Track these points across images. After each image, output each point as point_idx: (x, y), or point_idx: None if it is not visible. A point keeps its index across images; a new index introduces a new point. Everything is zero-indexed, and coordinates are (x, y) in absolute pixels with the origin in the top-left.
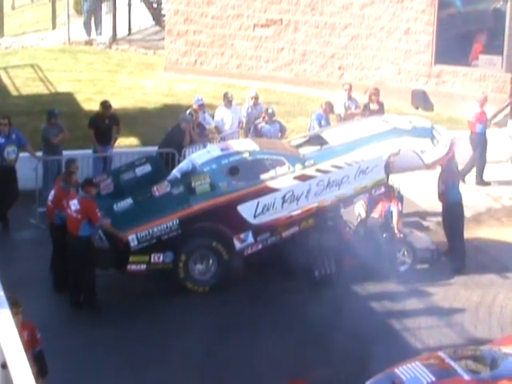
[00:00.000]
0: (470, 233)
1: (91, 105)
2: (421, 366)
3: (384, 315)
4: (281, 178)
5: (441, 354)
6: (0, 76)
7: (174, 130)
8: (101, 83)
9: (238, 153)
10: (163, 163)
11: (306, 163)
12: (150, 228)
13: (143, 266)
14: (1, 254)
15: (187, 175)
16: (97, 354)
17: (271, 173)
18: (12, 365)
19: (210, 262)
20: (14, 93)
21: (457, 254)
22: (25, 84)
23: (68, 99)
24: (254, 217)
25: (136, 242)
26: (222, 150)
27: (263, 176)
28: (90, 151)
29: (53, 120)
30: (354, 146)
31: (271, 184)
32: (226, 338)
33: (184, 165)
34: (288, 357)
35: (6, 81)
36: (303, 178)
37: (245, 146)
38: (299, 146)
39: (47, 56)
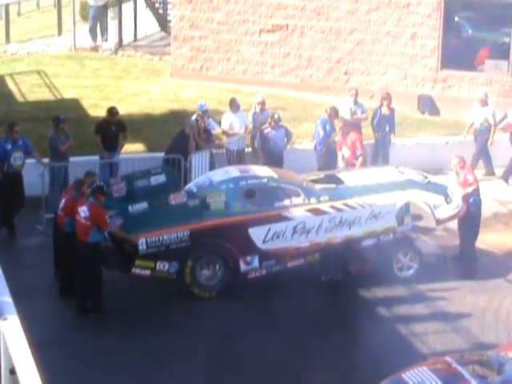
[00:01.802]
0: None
1: (97, 111)
2: (428, 371)
3: (391, 320)
4: (295, 209)
5: (448, 358)
6: (6, 82)
7: (180, 135)
8: (107, 89)
9: (257, 177)
10: (178, 176)
11: (321, 198)
12: (161, 235)
13: (148, 272)
14: (7, 260)
15: (204, 190)
16: (103, 360)
17: (286, 202)
18: (20, 371)
19: (217, 267)
20: (20, 99)
21: (469, 255)
22: (31, 90)
23: (74, 105)
24: (263, 242)
25: (145, 247)
26: (240, 171)
27: (278, 203)
28: (96, 157)
29: (60, 126)
30: (369, 190)
31: (285, 213)
32: (232, 343)
33: (201, 180)
34: (293, 363)
35: (12, 87)
36: (317, 211)
37: (263, 172)
38: (315, 181)
39: (53, 62)
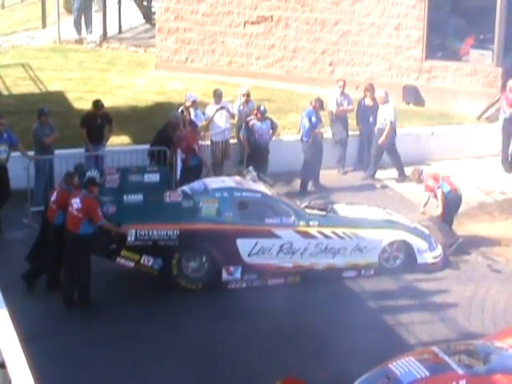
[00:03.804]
0: (462, 227)
1: (82, 104)
2: (415, 361)
3: (377, 311)
4: (284, 228)
5: (434, 348)
6: None
7: (165, 127)
8: (91, 82)
9: (251, 191)
10: (172, 179)
11: (311, 223)
12: (151, 229)
13: (131, 264)
14: None
15: (198, 194)
16: (91, 352)
17: (276, 220)
18: (10, 364)
19: (204, 259)
20: (5, 92)
21: (447, 233)
22: (15, 83)
23: (59, 98)
24: (249, 255)
25: (133, 238)
26: (236, 183)
27: (268, 220)
28: (81, 150)
29: (43, 118)
30: (358, 223)
31: (274, 230)
32: (221, 334)
33: (196, 184)
34: (284, 354)
35: None
36: (305, 234)
37: (258, 187)
38: (306, 207)
39: (38, 55)
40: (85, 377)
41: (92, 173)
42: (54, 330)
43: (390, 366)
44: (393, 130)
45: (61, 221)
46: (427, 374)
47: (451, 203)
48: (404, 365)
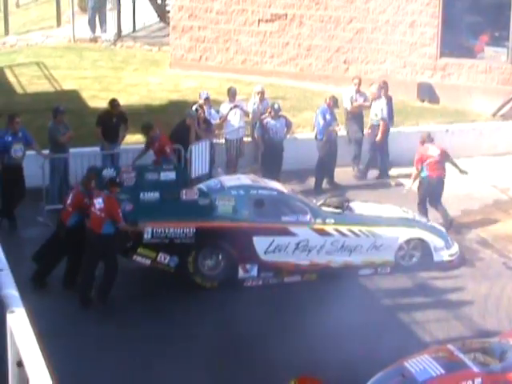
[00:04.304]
0: (477, 225)
1: (97, 102)
2: (430, 359)
3: (392, 309)
4: (300, 226)
5: (450, 346)
6: (5, 74)
7: (180, 126)
8: (106, 80)
9: (267, 189)
10: (188, 177)
11: (327, 220)
12: (168, 227)
13: (148, 261)
14: (10, 252)
15: (214, 192)
16: (106, 351)
17: (293, 217)
18: (28, 363)
19: (220, 257)
20: (20, 91)
21: (443, 214)
22: (30, 82)
23: (73, 97)
24: (265, 253)
25: (150, 236)
26: (252, 181)
27: (284, 218)
28: (96, 148)
29: (58, 117)
30: (374, 221)
31: (290, 228)
32: (236, 334)
33: (212, 182)
34: (298, 355)
35: (12, 79)
36: (321, 232)
37: (275, 185)
38: (322, 205)
39: (52, 54)
40: (101, 375)
41: (108, 171)
42: (70, 328)
43: (405, 363)
44: (386, 127)
45: (74, 222)
46: (442, 371)
47: (425, 188)
48: (419, 363)
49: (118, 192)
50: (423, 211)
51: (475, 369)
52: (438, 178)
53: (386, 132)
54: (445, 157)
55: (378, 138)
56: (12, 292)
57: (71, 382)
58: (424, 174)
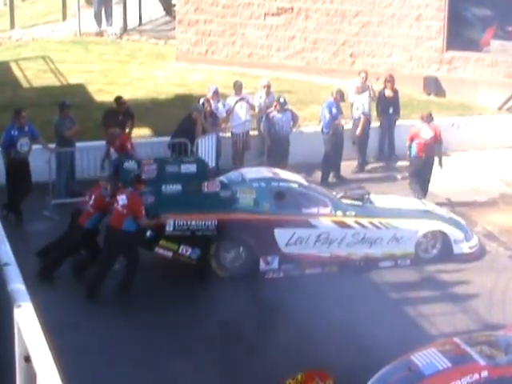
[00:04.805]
0: (482, 218)
1: (103, 96)
2: (436, 352)
3: (399, 302)
4: (321, 218)
5: (456, 339)
6: (11, 68)
7: (186, 119)
8: (112, 74)
9: (288, 181)
10: (208, 170)
11: (348, 213)
12: (189, 220)
13: (170, 253)
14: (15, 247)
15: (235, 184)
16: (115, 345)
17: (313, 209)
18: (35, 358)
19: (241, 249)
20: (26, 85)
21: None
22: (36, 76)
23: (79, 91)
24: (286, 245)
25: (172, 228)
26: (273, 173)
27: (305, 210)
28: (103, 142)
29: (64, 111)
30: (394, 213)
31: (311, 220)
32: (248, 327)
33: (233, 174)
34: (308, 348)
35: (18, 73)
36: (342, 224)
37: (294, 177)
38: (343, 197)
39: (58, 48)
40: (110, 369)
41: (130, 164)
42: (78, 322)
43: (412, 357)
44: (367, 121)
45: (92, 225)
46: (449, 365)
47: (415, 166)
48: (426, 356)
49: (143, 189)
50: (415, 188)
51: (481, 362)
52: (425, 159)
53: (366, 126)
54: (436, 141)
55: (358, 131)
56: (19, 286)
57: (79, 377)
58: (413, 152)
